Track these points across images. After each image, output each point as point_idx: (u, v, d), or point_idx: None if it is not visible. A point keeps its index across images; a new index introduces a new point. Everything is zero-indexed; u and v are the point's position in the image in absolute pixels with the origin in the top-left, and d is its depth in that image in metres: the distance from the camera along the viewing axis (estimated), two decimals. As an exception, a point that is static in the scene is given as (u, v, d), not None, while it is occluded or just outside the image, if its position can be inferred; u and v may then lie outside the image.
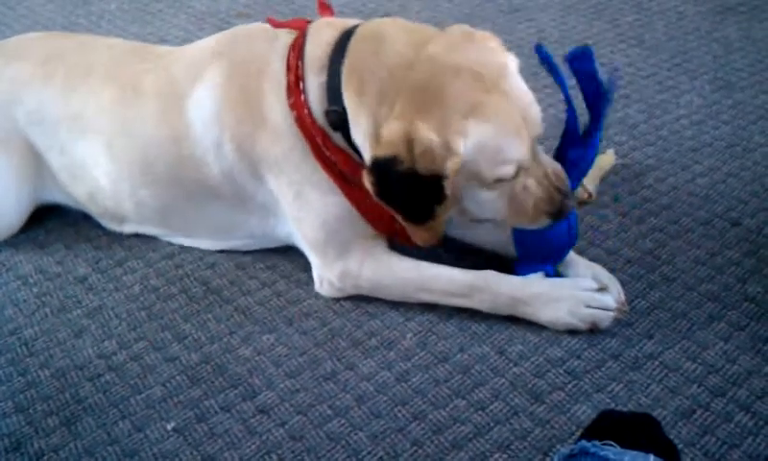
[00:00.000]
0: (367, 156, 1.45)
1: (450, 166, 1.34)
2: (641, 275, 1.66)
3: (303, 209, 1.57)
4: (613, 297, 1.51)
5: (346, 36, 1.50)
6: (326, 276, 1.60)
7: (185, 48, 1.74)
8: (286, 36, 1.58)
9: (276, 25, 1.60)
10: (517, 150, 1.39)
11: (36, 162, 1.76)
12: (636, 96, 2.34)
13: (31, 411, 1.43)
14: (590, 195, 1.85)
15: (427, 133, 1.34)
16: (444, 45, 1.42)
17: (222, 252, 1.77)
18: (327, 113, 1.49)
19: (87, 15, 3.10)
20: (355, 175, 1.48)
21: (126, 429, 1.38)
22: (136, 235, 1.83)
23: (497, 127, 1.36)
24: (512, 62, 1.44)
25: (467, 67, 1.37)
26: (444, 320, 1.55)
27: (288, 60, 1.53)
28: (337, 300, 1.62)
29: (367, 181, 1.40)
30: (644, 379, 1.42)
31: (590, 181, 1.86)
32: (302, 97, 1.50)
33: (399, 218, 1.45)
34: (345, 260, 1.57)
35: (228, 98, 1.56)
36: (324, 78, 1.49)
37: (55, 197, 1.82)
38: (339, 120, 1.48)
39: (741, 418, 1.34)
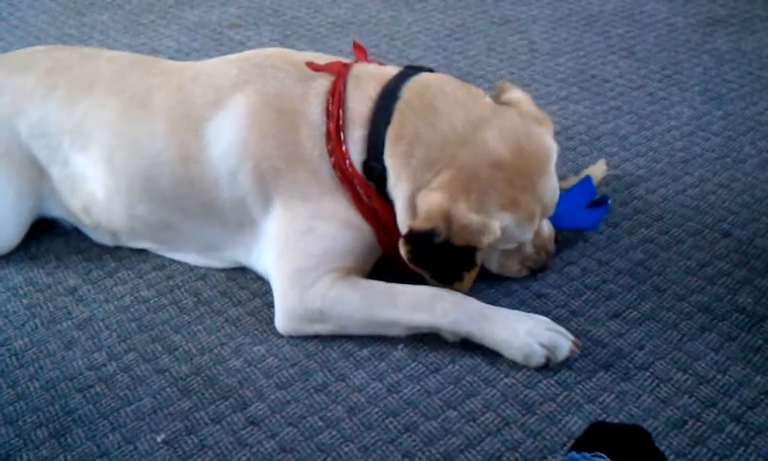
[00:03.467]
0: (403, 221, 1.52)
1: (485, 241, 1.47)
2: (632, 285, 1.66)
3: (305, 239, 1.55)
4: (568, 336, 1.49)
5: (389, 94, 1.55)
6: (291, 305, 1.55)
7: (199, 67, 1.72)
8: (322, 79, 1.59)
9: (315, 68, 1.61)
10: (525, 236, 1.56)
11: (37, 176, 1.75)
12: (627, 108, 2.35)
13: (20, 423, 1.42)
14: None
15: (467, 213, 1.45)
16: (497, 130, 1.51)
17: (212, 263, 1.77)
18: (366, 166, 1.54)
19: (80, 27, 3.11)
20: (387, 218, 1.56)
21: (116, 441, 1.37)
22: (127, 246, 1.82)
23: (519, 221, 1.51)
24: (553, 153, 1.56)
25: (513, 161, 1.49)
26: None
27: (327, 106, 1.56)
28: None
29: (402, 250, 1.47)
30: (635, 390, 1.42)
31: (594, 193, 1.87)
32: (343, 147, 1.54)
33: (428, 277, 1.52)
34: (316, 285, 1.53)
35: (257, 131, 1.56)
36: (365, 132, 1.54)
37: (53, 211, 1.81)
38: (376, 175, 1.53)
39: (732, 428, 1.34)
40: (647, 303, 1.61)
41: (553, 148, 1.55)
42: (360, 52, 1.73)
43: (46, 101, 1.71)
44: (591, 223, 1.78)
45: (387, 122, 1.53)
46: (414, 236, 1.46)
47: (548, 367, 1.46)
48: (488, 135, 1.49)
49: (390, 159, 1.52)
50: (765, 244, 1.76)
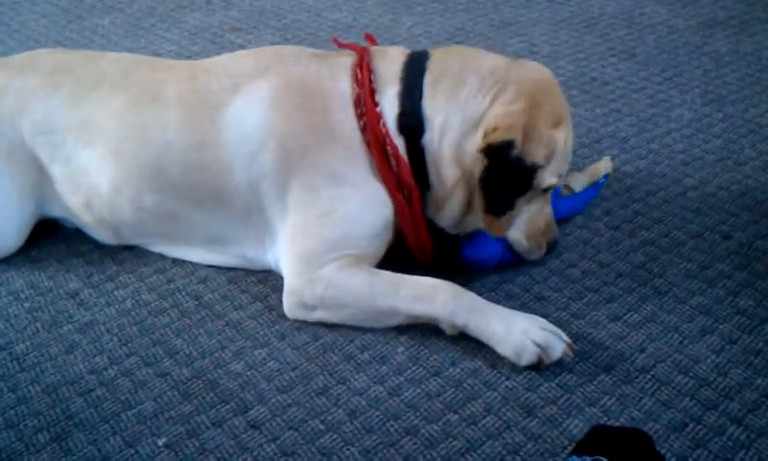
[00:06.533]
0: (451, 156, 1.57)
1: (552, 154, 1.54)
2: (633, 288, 1.66)
3: (322, 222, 1.57)
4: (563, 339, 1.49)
5: (419, 56, 1.64)
6: (297, 285, 1.58)
7: (209, 60, 1.77)
8: (346, 58, 1.66)
9: (341, 45, 1.70)
10: (564, 167, 1.61)
11: (39, 176, 1.76)
12: (627, 110, 2.35)
13: (21, 427, 1.42)
14: (572, 189, 1.87)
15: (543, 126, 1.52)
16: (533, 62, 1.67)
17: (212, 266, 1.77)
18: (401, 117, 1.58)
19: (80, 30, 3.11)
20: (410, 187, 1.59)
21: (117, 445, 1.37)
22: (128, 250, 1.82)
23: (567, 139, 1.59)
24: None
25: (554, 85, 1.61)
26: (435, 334, 1.55)
27: (356, 77, 1.61)
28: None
29: (479, 165, 1.51)
30: (636, 393, 1.42)
31: (579, 187, 1.87)
32: (377, 109, 1.58)
33: (481, 208, 1.54)
34: (323, 268, 1.56)
35: (283, 112, 1.60)
36: (398, 88, 1.60)
37: (54, 211, 1.82)
38: (412, 124, 1.58)
39: (733, 431, 1.34)
40: (648, 306, 1.61)
41: None
42: (372, 42, 1.77)
43: (51, 99, 1.72)
44: (584, 204, 1.90)
45: (422, 72, 1.60)
46: (493, 149, 1.49)
47: (540, 368, 1.46)
48: (530, 63, 1.64)
49: (431, 101, 1.57)
50: (766, 246, 1.77)
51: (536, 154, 1.51)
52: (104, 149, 1.69)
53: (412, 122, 1.58)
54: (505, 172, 1.51)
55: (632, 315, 1.59)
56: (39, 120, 1.72)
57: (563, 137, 1.56)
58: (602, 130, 2.26)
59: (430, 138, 1.58)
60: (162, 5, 3.33)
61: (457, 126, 1.56)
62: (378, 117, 1.57)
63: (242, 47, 2.89)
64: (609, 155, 2.11)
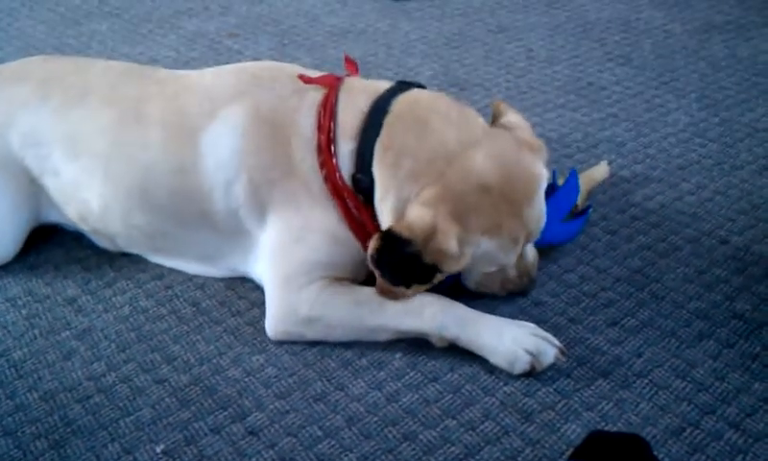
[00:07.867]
0: (385, 222, 1.50)
1: (454, 268, 1.47)
2: (630, 293, 1.67)
3: (296, 247, 1.56)
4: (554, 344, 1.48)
5: (380, 107, 1.54)
6: (279, 314, 1.57)
7: (195, 76, 1.72)
8: (315, 92, 1.60)
9: (307, 81, 1.61)
10: (507, 260, 1.54)
11: (31, 186, 1.75)
12: (624, 115, 2.36)
13: (19, 434, 1.42)
14: (577, 206, 1.87)
15: (450, 239, 1.43)
16: (488, 153, 1.48)
17: (210, 273, 1.77)
18: (354, 178, 1.54)
19: (78, 36, 3.11)
20: (376, 232, 1.53)
21: (115, 452, 1.37)
22: (126, 256, 1.82)
23: (502, 245, 1.49)
24: (542, 180, 1.53)
25: (500, 186, 1.46)
26: (434, 339, 1.55)
27: (319, 119, 1.56)
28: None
29: (372, 245, 1.45)
30: (634, 398, 1.42)
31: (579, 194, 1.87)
32: (334, 160, 1.54)
33: (378, 276, 1.49)
34: (304, 290, 1.55)
35: (252, 142, 1.56)
36: (354, 145, 1.54)
37: (52, 217, 1.82)
38: (364, 187, 1.53)
39: (731, 435, 1.34)
40: (645, 311, 1.62)
41: (542, 175, 1.52)
42: (352, 66, 1.74)
43: (39, 110, 1.71)
44: (570, 236, 1.78)
45: (377, 134, 1.52)
46: (390, 237, 1.44)
47: (532, 374, 1.46)
48: (477, 157, 1.47)
49: (378, 171, 1.51)
50: (763, 250, 1.77)
51: (436, 260, 1.44)
52: (91, 165, 1.68)
53: (364, 184, 1.53)
54: (400, 262, 1.44)
55: (629, 320, 1.60)
56: (28, 131, 1.71)
57: (490, 247, 1.47)
58: (599, 134, 2.26)
59: (376, 203, 1.53)
60: (160, 11, 3.34)
61: (392, 203, 1.49)
62: (335, 170, 1.54)
63: (239, 53, 2.89)
64: (605, 159, 2.12)
